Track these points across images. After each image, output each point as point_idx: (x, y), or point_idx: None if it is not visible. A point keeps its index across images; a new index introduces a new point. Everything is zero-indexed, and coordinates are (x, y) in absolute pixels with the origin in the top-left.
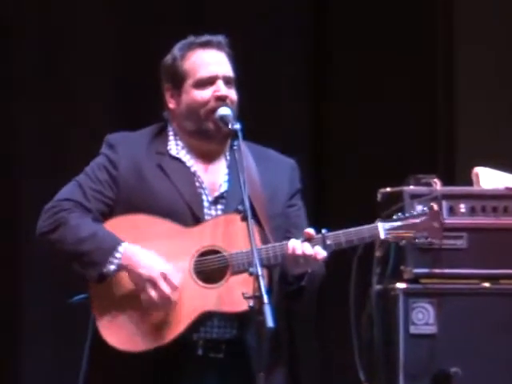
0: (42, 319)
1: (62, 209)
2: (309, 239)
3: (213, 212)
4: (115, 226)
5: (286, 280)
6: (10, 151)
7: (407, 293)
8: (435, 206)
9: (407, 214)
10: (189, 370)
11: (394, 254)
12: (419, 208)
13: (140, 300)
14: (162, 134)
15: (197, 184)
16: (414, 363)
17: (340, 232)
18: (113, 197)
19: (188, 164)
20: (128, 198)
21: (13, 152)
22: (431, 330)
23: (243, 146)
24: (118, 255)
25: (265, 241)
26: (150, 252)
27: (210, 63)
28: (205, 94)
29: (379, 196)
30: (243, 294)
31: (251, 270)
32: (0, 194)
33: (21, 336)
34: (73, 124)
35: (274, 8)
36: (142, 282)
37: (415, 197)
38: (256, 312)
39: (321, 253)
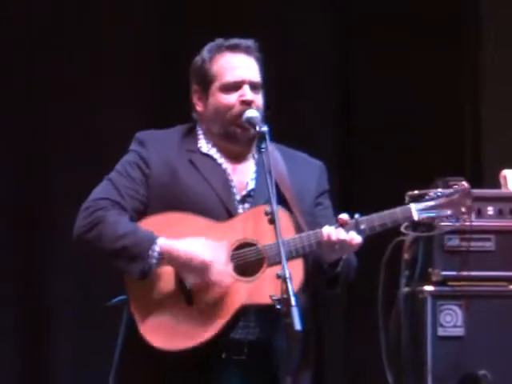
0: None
1: (98, 208)
2: (342, 225)
3: (240, 210)
4: (150, 224)
5: (321, 268)
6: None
7: (435, 295)
8: (466, 184)
9: (439, 193)
10: (216, 372)
11: (422, 257)
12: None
13: (179, 298)
14: (191, 133)
15: (228, 181)
16: (442, 365)
17: (374, 216)
18: (146, 194)
19: (219, 161)
20: (161, 195)
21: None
22: (459, 332)
23: (271, 147)
24: (156, 248)
25: (299, 230)
26: (186, 241)
27: (237, 67)
28: (231, 99)
29: (407, 198)
30: (271, 296)
31: (279, 272)
32: (29, 194)
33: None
34: (104, 120)
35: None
36: (192, 267)
37: None
38: (284, 314)
39: (355, 238)
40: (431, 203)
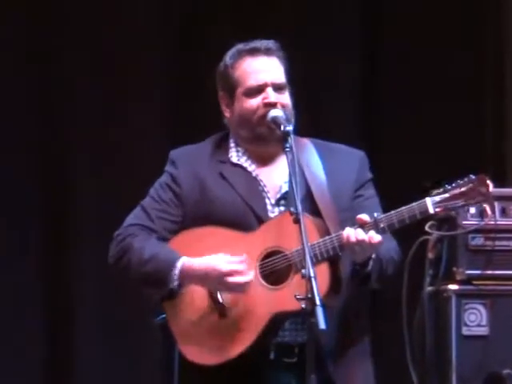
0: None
1: (126, 235)
2: (362, 225)
3: (277, 214)
4: (179, 242)
5: (353, 268)
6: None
7: (459, 294)
8: (483, 175)
9: (454, 184)
10: (264, 375)
11: (446, 256)
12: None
13: (211, 312)
14: (223, 143)
15: (259, 188)
16: (467, 365)
17: (392, 213)
18: (179, 213)
19: (249, 169)
20: (194, 212)
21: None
22: (484, 331)
23: (307, 143)
24: (176, 271)
25: (326, 234)
26: (204, 258)
27: (258, 71)
28: (254, 102)
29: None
30: (295, 295)
31: (303, 272)
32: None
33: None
34: (128, 130)
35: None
36: (210, 284)
37: None
38: (308, 314)
39: (375, 237)
40: (446, 195)
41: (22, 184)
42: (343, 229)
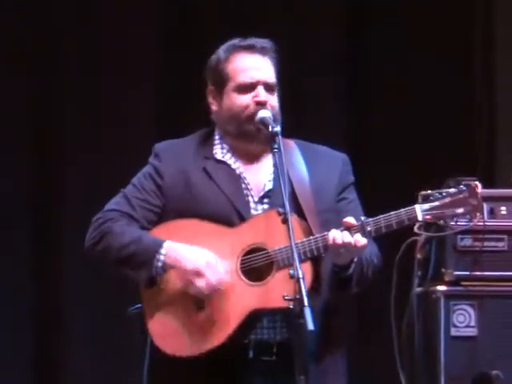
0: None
1: (106, 219)
2: (348, 228)
3: (259, 211)
4: (162, 231)
5: (333, 270)
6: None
7: (448, 295)
8: (473, 183)
9: (444, 193)
10: (241, 374)
11: (434, 257)
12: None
13: (188, 303)
14: (208, 139)
15: (243, 185)
16: (455, 365)
17: (379, 217)
18: (160, 205)
19: (233, 166)
20: (175, 206)
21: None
22: (472, 332)
23: (292, 144)
24: (162, 251)
25: (309, 234)
26: (193, 246)
27: (251, 68)
28: (245, 99)
29: (419, 198)
30: (284, 295)
31: (291, 272)
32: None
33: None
34: (120, 125)
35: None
36: (189, 274)
37: None
38: (296, 314)
39: (360, 240)
40: (436, 203)
41: (9, 184)
42: (324, 230)
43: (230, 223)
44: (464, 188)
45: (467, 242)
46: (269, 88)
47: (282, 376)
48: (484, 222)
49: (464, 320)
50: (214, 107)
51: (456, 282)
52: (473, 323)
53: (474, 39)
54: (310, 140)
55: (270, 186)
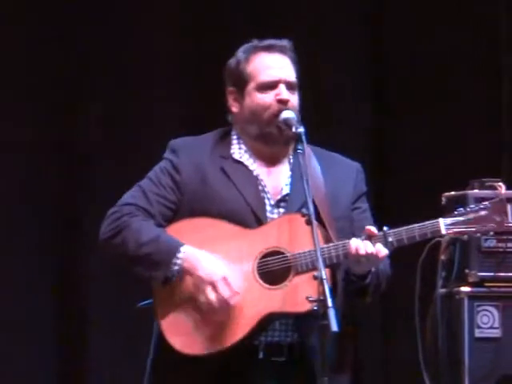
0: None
1: (124, 213)
2: (370, 237)
3: (275, 215)
4: (178, 229)
5: (349, 279)
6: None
7: (472, 296)
8: (500, 200)
9: (468, 209)
10: (250, 374)
11: (458, 258)
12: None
13: (194, 303)
14: (225, 138)
15: (259, 188)
16: (479, 367)
17: (402, 229)
18: (176, 201)
19: (251, 167)
20: (191, 202)
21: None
22: (496, 333)
23: (308, 150)
24: (180, 255)
25: (327, 240)
26: (212, 255)
27: (272, 67)
28: (267, 98)
29: (443, 199)
30: (307, 297)
31: (316, 274)
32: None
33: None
34: (141, 124)
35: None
36: (203, 284)
37: (480, 200)
38: (320, 316)
39: (382, 250)
40: (460, 218)
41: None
42: (339, 237)
43: (245, 224)
44: (489, 205)
45: (491, 243)
46: (290, 87)
47: (292, 377)
48: (508, 223)
49: (488, 321)
50: (234, 109)
51: (480, 282)
52: (497, 324)
53: (501, 40)
54: (333, 142)
55: (287, 190)
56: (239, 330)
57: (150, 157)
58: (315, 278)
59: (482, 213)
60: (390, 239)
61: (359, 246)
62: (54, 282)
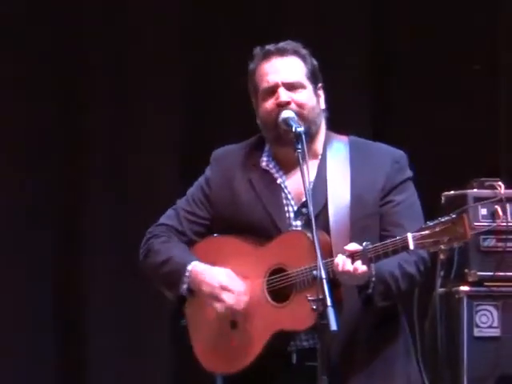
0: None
1: (152, 235)
2: (350, 255)
3: (298, 222)
4: (202, 248)
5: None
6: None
7: (471, 296)
8: (466, 212)
9: (434, 222)
10: (284, 378)
11: (457, 257)
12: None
13: (224, 321)
14: (260, 145)
15: (282, 195)
16: (478, 366)
17: (378, 245)
18: (207, 216)
19: (276, 175)
20: (221, 214)
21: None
22: (495, 332)
23: (344, 142)
24: (187, 274)
25: (328, 252)
26: (216, 268)
27: (268, 73)
28: (268, 105)
29: (443, 199)
30: (307, 297)
31: (314, 272)
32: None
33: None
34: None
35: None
36: (209, 299)
37: (479, 200)
38: (320, 315)
39: (359, 268)
40: (426, 232)
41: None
42: (363, 236)
43: (266, 234)
44: (453, 216)
45: (490, 242)
46: (291, 87)
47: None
48: (507, 222)
49: (487, 320)
50: (257, 119)
51: (479, 282)
52: (496, 324)
53: (501, 44)
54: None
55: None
56: (253, 350)
57: (151, 157)
58: (314, 277)
59: (446, 225)
60: (369, 255)
61: (339, 262)
62: (54, 281)
